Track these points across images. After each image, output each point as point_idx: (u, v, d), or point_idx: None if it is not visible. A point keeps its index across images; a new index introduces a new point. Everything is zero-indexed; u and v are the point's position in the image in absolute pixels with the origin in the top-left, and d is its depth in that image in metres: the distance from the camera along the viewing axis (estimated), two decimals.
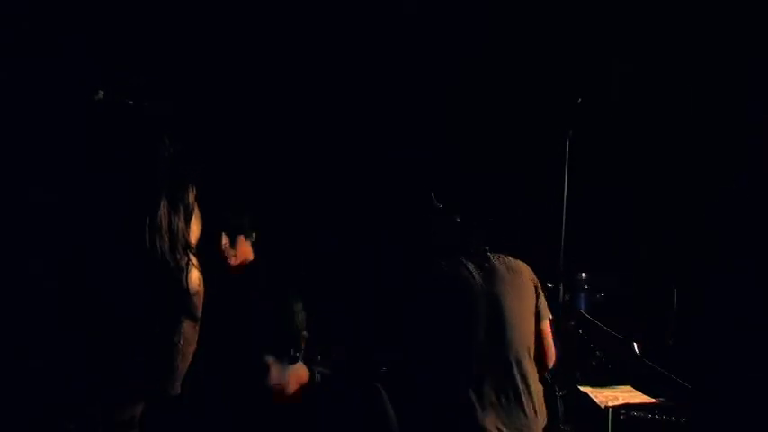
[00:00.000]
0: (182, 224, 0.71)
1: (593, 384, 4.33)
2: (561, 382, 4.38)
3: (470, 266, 3.14)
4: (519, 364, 3.13)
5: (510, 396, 3.08)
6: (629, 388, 4.29)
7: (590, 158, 4.92)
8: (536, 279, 3.33)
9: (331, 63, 5.05)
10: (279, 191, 4.81)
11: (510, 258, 3.28)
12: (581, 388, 4.28)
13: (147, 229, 0.67)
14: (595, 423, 4.19)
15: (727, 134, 5.12)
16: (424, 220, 3.34)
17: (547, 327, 3.35)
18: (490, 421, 3.03)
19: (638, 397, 4.17)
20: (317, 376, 1.80)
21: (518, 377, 3.11)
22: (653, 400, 4.15)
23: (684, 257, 5.46)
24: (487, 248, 3.24)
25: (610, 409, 4.06)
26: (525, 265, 3.32)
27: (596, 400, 4.10)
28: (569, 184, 4.52)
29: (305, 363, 1.82)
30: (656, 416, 4.18)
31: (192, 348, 0.78)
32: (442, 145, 5.01)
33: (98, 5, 3.88)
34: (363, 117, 5.11)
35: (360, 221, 4.78)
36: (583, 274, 4.90)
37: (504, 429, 3.05)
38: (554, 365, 3.46)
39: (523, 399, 3.12)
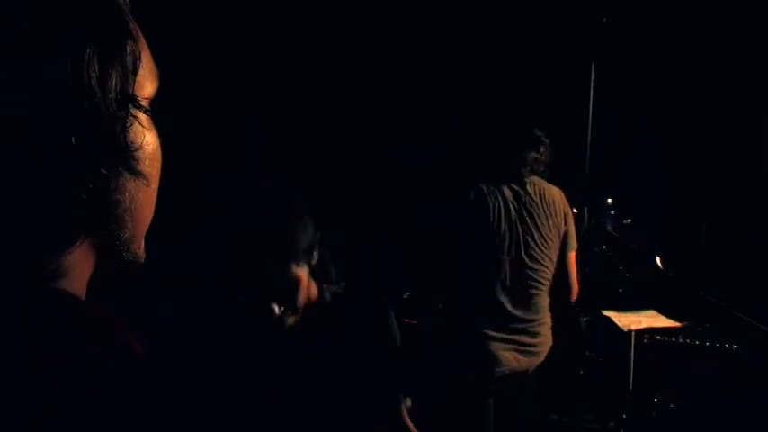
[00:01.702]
0: (118, 74, 0.70)
1: (618, 310, 4.34)
2: (586, 308, 4.39)
3: (507, 195, 3.12)
4: (538, 297, 3.17)
5: (526, 329, 3.13)
6: (653, 312, 4.29)
7: (617, 83, 4.84)
8: (568, 208, 3.32)
9: (332, 63, 5.01)
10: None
11: (546, 186, 3.26)
12: (604, 312, 4.28)
13: (70, 73, 0.66)
14: (619, 347, 4.21)
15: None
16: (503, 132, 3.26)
17: (572, 257, 3.36)
18: (507, 350, 3.09)
19: (661, 321, 4.17)
20: (327, 295, 1.81)
21: (535, 311, 3.16)
22: (676, 324, 4.14)
23: (713, 186, 5.39)
24: (527, 171, 3.20)
25: (633, 333, 4.07)
26: (559, 192, 3.30)
27: (619, 323, 4.11)
28: (595, 110, 4.47)
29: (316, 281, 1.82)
30: (680, 339, 4.18)
31: (147, 212, 0.79)
32: (466, 77, 4.97)
33: None
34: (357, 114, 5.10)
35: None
36: (609, 200, 4.85)
37: (520, 358, 3.11)
38: (576, 297, 3.47)
39: (537, 329, 3.17)
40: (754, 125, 5.12)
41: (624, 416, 4.10)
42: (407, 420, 1.86)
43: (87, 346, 0.69)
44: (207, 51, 4.44)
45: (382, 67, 5.10)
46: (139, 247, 0.80)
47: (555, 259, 3.25)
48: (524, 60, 4.99)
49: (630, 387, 4.10)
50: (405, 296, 4.29)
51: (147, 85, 0.76)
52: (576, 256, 3.41)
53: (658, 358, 4.20)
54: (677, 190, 5.43)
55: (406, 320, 4.02)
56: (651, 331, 4.16)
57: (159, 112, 0.79)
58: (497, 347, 3.06)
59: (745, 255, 5.17)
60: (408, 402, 3.69)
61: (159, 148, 0.79)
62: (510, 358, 3.09)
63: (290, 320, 1.70)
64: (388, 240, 4.29)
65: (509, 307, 3.10)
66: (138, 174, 0.74)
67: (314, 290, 1.80)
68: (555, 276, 3.28)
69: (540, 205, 3.18)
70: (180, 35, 4.13)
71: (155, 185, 0.79)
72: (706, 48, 5.16)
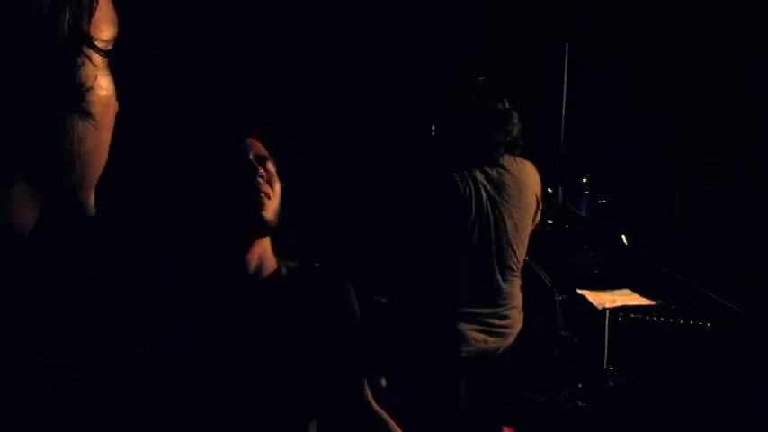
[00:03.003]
0: (72, 10, 0.68)
1: (594, 289, 4.35)
2: (561, 287, 4.40)
3: (480, 179, 3.07)
4: (509, 282, 3.14)
5: (497, 312, 3.11)
6: (627, 291, 4.31)
7: (590, 63, 4.84)
8: (539, 189, 3.24)
9: (332, 62, 4.98)
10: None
11: (519, 165, 3.15)
12: (579, 291, 4.29)
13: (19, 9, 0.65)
14: (594, 327, 4.22)
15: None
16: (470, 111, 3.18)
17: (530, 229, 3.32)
18: (475, 330, 3.07)
19: (635, 299, 4.19)
20: (283, 269, 1.78)
21: (507, 296, 3.13)
22: (650, 302, 4.16)
23: (686, 163, 5.43)
24: (502, 153, 3.10)
25: (607, 311, 4.08)
26: (533, 169, 3.21)
27: (594, 302, 4.12)
28: (569, 88, 4.47)
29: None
30: (654, 317, 4.20)
31: (96, 160, 0.76)
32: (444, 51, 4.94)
33: None
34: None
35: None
36: (584, 179, 4.86)
37: (489, 339, 3.10)
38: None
39: (507, 312, 3.14)
40: (725, 95, 5.15)
41: (597, 394, 4.12)
42: (370, 399, 1.83)
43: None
44: (208, 51, 4.39)
45: (376, 65, 5.06)
46: (89, 199, 0.78)
47: (527, 242, 3.22)
48: (498, 42, 4.98)
49: (605, 365, 4.11)
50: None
51: (104, 29, 0.74)
52: (534, 230, 3.35)
53: (633, 336, 4.22)
54: (651, 169, 5.45)
55: (376, 298, 4.01)
56: (625, 309, 4.18)
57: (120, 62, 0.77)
58: (465, 328, 3.04)
59: (717, 232, 5.20)
60: (383, 382, 3.69)
61: (114, 96, 0.77)
62: (479, 339, 3.07)
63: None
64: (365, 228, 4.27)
65: (480, 291, 3.08)
66: (86, 115, 0.72)
67: (272, 263, 1.76)
68: None
69: (513, 189, 3.11)
70: (181, 35, 4.09)
71: (107, 134, 0.77)
72: (681, 24, 5.17)
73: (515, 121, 3.10)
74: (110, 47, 0.75)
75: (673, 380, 4.05)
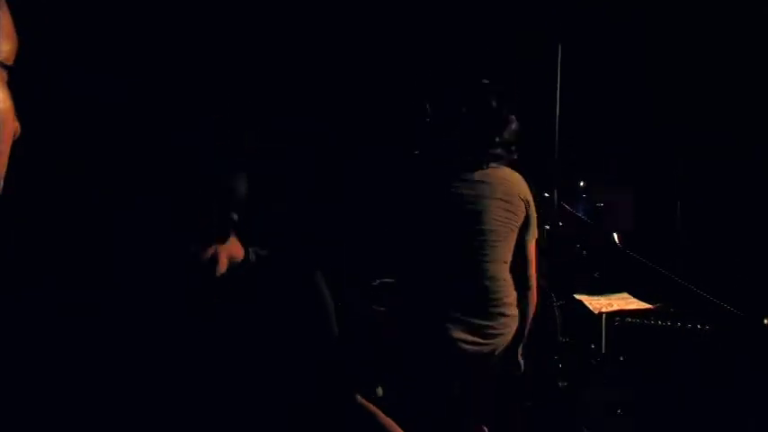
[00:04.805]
0: None
1: (591, 294, 4.31)
2: (559, 293, 4.35)
3: (457, 181, 3.04)
4: (494, 277, 3.06)
5: (484, 308, 3.03)
6: (625, 295, 4.27)
7: (583, 64, 4.81)
8: (528, 195, 3.16)
9: (326, 63, 4.97)
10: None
11: (504, 170, 3.11)
12: (576, 296, 4.25)
13: None
14: (591, 332, 4.18)
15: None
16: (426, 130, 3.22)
17: (532, 248, 3.20)
18: (460, 332, 2.99)
19: (632, 303, 4.15)
20: (252, 255, 1.74)
21: (492, 288, 3.05)
22: (648, 306, 4.12)
23: (688, 169, 5.39)
24: (483, 159, 3.08)
25: (603, 315, 4.05)
26: (519, 177, 3.15)
27: (590, 306, 4.09)
28: (562, 92, 4.44)
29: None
30: (651, 322, 4.16)
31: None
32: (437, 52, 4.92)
33: None
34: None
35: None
36: (581, 183, 4.82)
37: (479, 340, 3.02)
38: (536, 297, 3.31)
39: (495, 309, 3.05)
40: (719, 100, 5.13)
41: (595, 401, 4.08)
42: (351, 389, 1.78)
43: None
44: (206, 53, 4.37)
45: (373, 66, 5.04)
46: None
47: (514, 237, 3.13)
48: (491, 42, 4.95)
49: (603, 371, 4.07)
50: (374, 283, 4.25)
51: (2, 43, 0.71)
52: (536, 248, 3.27)
53: (630, 341, 4.18)
54: (649, 171, 5.42)
55: (375, 308, 3.98)
56: (622, 314, 4.14)
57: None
58: (456, 334, 2.97)
59: (718, 237, 5.17)
60: (380, 391, 3.65)
61: (12, 112, 0.74)
62: (468, 341, 2.99)
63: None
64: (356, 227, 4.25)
65: (466, 284, 3.00)
66: None
67: (238, 251, 1.72)
68: (514, 267, 3.16)
69: (497, 191, 3.07)
70: (173, 32, 4.08)
71: (3, 148, 0.73)
72: (681, 24, 5.15)
73: (513, 125, 3.08)
74: (9, 62, 0.72)
75: (670, 384, 4.00)
